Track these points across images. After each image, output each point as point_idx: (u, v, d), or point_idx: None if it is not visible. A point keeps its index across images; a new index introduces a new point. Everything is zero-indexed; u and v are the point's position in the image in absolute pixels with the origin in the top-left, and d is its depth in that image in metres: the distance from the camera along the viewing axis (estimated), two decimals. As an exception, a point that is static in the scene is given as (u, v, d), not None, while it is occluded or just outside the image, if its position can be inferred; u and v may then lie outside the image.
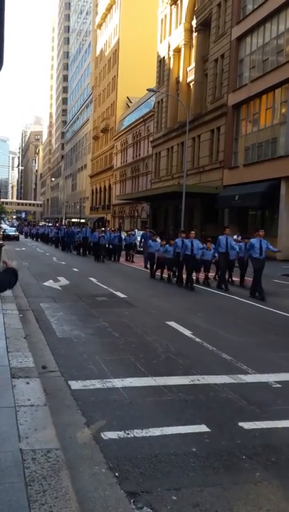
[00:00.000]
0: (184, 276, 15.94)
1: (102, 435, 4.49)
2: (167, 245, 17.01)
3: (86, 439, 4.42)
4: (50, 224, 75.42)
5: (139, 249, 29.22)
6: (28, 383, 5.28)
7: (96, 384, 5.88)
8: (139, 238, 27.87)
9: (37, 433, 4.08)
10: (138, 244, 29.07)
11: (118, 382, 5.93)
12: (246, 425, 4.83)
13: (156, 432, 4.61)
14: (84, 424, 4.73)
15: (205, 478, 3.85)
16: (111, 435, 4.50)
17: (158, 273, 17.97)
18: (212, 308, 12.37)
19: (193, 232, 16.21)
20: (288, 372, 6.64)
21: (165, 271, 17.73)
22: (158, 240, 19.18)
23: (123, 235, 28.43)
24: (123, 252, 27.60)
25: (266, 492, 3.69)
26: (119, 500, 3.48)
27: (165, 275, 17.66)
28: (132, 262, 26.08)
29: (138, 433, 4.57)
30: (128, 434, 4.54)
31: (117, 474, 3.83)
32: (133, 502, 3.49)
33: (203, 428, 4.73)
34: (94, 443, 4.34)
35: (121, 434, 4.54)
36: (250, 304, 12.77)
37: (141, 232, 29.73)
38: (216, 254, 16.15)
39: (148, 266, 20.91)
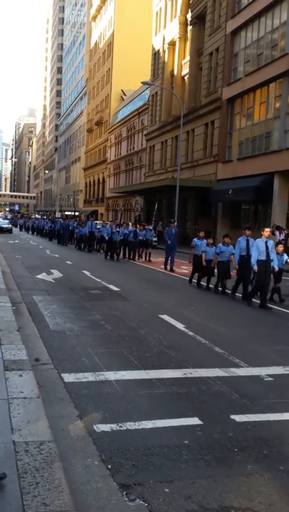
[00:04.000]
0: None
1: (94, 427, 4.50)
2: (220, 245, 13.73)
3: (79, 431, 4.43)
4: (44, 217, 75.09)
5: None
6: (21, 376, 5.28)
7: (89, 377, 5.88)
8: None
9: (30, 425, 4.09)
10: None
11: (111, 375, 5.94)
12: (238, 418, 4.86)
13: (148, 424, 4.63)
14: (77, 417, 4.74)
15: (197, 470, 3.87)
16: (104, 428, 4.51)
17: (194, 280, 14.96)
18: (205, 301, 12.40)
19: (268, 229, 11.96)
20: (280, 366, 6.69)
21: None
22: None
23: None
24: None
25: (258, 484, 3.72)
26: (111, 492, 3.50)
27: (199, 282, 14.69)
28: (149, 261, 23.05)
29: (131, 425, 4.58)
30: (121, 426, 4.56)
31: (109, 466, 3.85)
32: (125, 494, 3.50)
33: (195, 421, 4.75)
34: (87, 435, 4.35)
35: (114, 426, 4.55)
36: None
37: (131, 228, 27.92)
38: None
39: (168, 267, 18.94)
